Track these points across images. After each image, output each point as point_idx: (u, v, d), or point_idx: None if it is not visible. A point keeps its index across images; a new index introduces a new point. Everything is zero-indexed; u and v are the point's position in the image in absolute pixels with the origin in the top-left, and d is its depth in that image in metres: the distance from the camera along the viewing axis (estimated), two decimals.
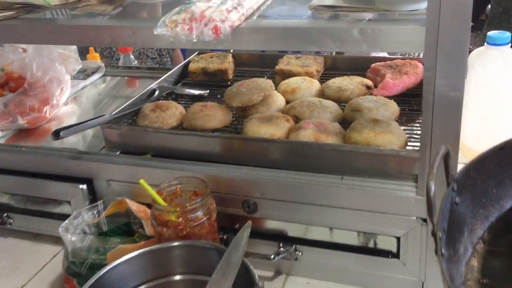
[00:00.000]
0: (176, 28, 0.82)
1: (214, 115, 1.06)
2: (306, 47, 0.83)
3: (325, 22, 0.83)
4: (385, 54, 2.24)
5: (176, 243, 0.82)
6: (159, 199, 0.87)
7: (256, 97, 1.06)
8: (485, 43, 1.09)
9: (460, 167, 0.65)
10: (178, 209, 0.86)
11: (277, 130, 0.98)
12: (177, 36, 0.82)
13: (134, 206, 0.96)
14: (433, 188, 0.54)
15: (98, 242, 0.90)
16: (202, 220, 0.86)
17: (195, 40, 0.81)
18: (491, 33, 1.10)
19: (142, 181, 0.86)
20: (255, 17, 0.89)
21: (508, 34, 1.09)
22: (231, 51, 1.42)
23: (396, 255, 0.90)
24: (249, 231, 0.79)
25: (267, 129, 0.98)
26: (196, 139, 1.01)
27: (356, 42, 0.78)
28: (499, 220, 0.66)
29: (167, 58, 2.77)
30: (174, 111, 1.09)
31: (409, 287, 0.91)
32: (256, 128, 0.99)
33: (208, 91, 1.26)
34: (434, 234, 0.54)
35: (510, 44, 1.09)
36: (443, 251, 0.55)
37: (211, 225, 0.89)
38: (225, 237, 0.98)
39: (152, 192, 0.87)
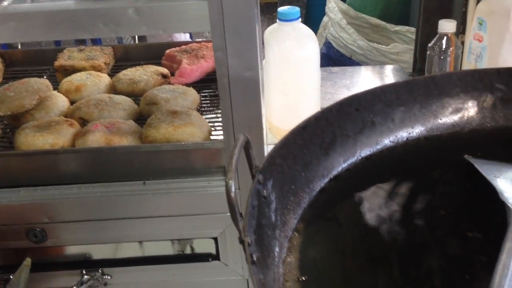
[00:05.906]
0: None
1: None
2: (75, 34, 0.72)
3: (93, 2, 0.69)
4: (183, 38, 2.15)
5: None
6: None
7: (28, 101, 0.88)
8: (277, 20, 1.08)
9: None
10: None
11: (58, 138, 0.82)
12: None
13: None
14: (233, 188, 0.45)
15: None
16: None
17: None
18: (281, 9, 1.09)
19: None
20: (6, 3, 0.71)
21: (297, 9, 1.09)
22: None
23: (216, 257, 0.85)
24: (28, 271, 0.63)
25: (45, 138, 0.81)
26: None
27: (133, 24, 0.69)
28: (311, 205, 0.62)
29: None
30: None
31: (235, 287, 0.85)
32: (31, 139, 0.81)
33: None
34: (242, 241, 0.46)
35: (300, 19, 1.09)
36: (254, 257, 0.47)
37: None
38: (11, 276, 0.81)
39: None
